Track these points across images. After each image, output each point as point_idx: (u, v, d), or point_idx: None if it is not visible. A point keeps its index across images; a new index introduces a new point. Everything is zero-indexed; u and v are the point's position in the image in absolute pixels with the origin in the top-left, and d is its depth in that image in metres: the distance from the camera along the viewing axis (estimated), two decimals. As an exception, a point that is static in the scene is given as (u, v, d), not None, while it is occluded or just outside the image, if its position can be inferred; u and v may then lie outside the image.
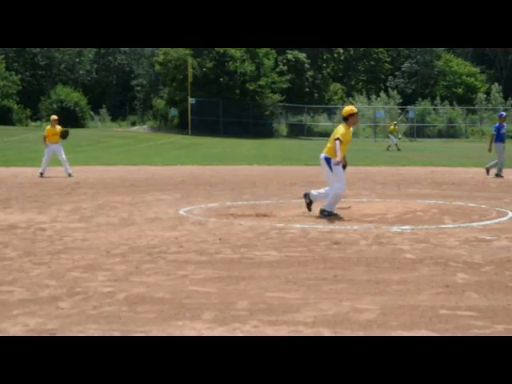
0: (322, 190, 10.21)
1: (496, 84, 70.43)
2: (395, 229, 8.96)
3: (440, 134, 61.50)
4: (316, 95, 66.79)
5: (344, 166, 10.19)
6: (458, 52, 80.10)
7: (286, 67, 61.77)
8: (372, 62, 77.63)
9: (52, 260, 6.92)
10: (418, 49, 74.26)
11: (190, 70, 53.40)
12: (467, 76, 75.04)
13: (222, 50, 54.48)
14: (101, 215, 10.40)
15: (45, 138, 18.78)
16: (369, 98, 66.18)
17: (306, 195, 10.28)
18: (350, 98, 65.92)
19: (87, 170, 20.54)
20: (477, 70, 76.50)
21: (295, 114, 62.93)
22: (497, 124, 19.43)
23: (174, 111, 57.50)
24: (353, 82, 78.64)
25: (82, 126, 58.20)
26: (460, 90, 73.72)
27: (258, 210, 10.45)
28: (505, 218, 10.07)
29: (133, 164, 24.06)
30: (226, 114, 55.52)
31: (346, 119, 10.19)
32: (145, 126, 61.02)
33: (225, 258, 7.02)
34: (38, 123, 57.65)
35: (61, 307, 5.17)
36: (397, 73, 77.48)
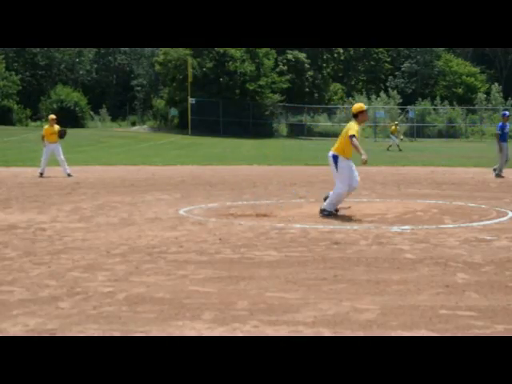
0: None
1: (496, 84, 70.43)
2: (395, 229, 8.96)
3: (440, 134, 61.51)
4: (316, 95, 66.81)
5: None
6: (457, 52, 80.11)
7: (285, 67, 61.79)
8: (372, 62, 77.65)
9: (52, 260, 6.91)
10: (418, 49, 74.28)
11: (190, 70, 53.43)
12: (467, 76, 75.05)
13: (221, 50, 54.50)
14: (101, 215, 10.40)
15: (43, 137, 18.75)
16: (369, 98, 66.13)
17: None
18: (350, 98, 65.92)
19: (87, 170, 20.53)
20: (477, 70, 76.51)
21: (295, 114, 62.94)
22: (500, 123, 19.38)
23: (173, 111, 57.52)
24: (353, 82, 78.64)
25: (82, 126, 58.26)
26: (460, 90, 73.74)
27: (257, 210, 10.45)
28: (505, 218, 10.07)
29: (133, 164, 24.06)
30: (226, 114, 55.53)
31: (356, 116, 10.20)
32: (145, 126, 61.04)
33: (225, 258, 7.02)
34: (38, 123, 57.64)
35: (61, 307, 5.17)
36: (397, 73, 77.50)
